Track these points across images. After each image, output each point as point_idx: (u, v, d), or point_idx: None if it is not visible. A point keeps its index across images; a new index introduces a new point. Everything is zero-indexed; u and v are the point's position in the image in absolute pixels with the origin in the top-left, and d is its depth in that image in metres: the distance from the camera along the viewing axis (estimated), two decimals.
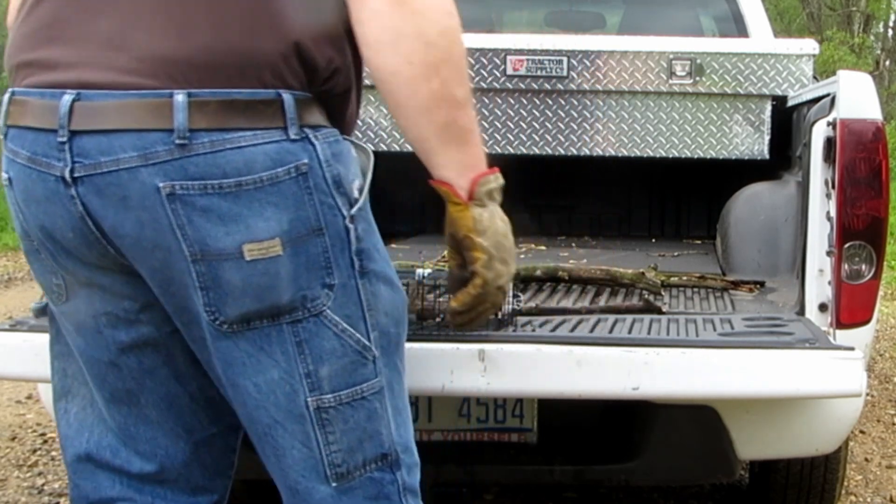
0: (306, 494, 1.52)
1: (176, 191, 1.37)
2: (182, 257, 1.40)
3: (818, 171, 2.27)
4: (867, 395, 2.74)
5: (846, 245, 2.20)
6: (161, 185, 1.37)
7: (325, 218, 1.43)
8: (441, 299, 2.05)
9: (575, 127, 3.34)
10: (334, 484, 1.50)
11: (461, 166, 1.52)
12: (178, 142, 1.36)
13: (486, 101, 3.34)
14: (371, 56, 1.43)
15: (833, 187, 2.21)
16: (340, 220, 1.45)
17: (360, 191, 1.49)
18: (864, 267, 2.21)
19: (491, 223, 1.56)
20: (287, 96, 1.41)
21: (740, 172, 3.27)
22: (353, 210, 1.47)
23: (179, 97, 1.36)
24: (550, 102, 3.33)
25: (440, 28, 1.42)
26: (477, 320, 1.68)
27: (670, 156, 3.35)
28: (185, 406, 1.61)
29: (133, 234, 1.42)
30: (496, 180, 1.57)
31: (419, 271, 2.14)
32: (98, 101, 1.38)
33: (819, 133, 2.27)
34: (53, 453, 3.75)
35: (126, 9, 1.40)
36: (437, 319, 2.00)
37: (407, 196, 3.53)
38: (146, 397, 1.59)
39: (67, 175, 1.40)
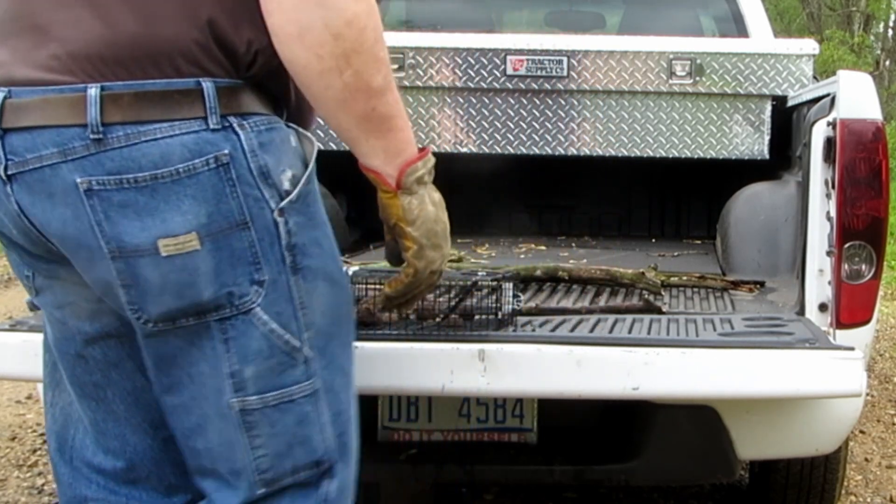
0: (233, 494, 1.48)
1: (93, 186, 1.35)
2: (103, 255, 1.38)
3: (818, 171, 2.27)
4: (867, 395, 2.74)
5: (846, 245, 2.20)
6: (79, 180, 1.35)
7: (250, 211, 1.39)
8: (440, 299, 2.05)
9: (575, 127, 3.33)
10: (260, 490, 1.47)
11: (387, 154, 1.47)
12: (92, 137, 1.34)
13: (486, 101, 3.34)
14: (281, 49, 1.38)
15: (833, 187, 2.21)
16: (268, 214, 1.40)
17: (294, 183, 1.43)
18: (864, 267, 2.21)
19: (421, 211, 1.51)
20: (207, 84, 1.37)
21: (740, 172, 3.27)
22: (284, 203, 1.41)
23: (92, 91, 1.34)
24: (550, 102, 3.33)
25: (347, 17, 1.35)
26: (413, 302, 1.67)
27: (670, 156, 3.35)
28: (153, 401, 1.57)
29: (59, 233, 1.40)
30: (425, 165, 1.51)
31: None
32: (24, 98, 1.37)
33: (819, 133, 2.27)
34: None
35: (47, 4, 1.39)
36: (438, 319, 2.00)
37: None
38: (112, 391, 1.57)
39: (2, 173, 1.39)
